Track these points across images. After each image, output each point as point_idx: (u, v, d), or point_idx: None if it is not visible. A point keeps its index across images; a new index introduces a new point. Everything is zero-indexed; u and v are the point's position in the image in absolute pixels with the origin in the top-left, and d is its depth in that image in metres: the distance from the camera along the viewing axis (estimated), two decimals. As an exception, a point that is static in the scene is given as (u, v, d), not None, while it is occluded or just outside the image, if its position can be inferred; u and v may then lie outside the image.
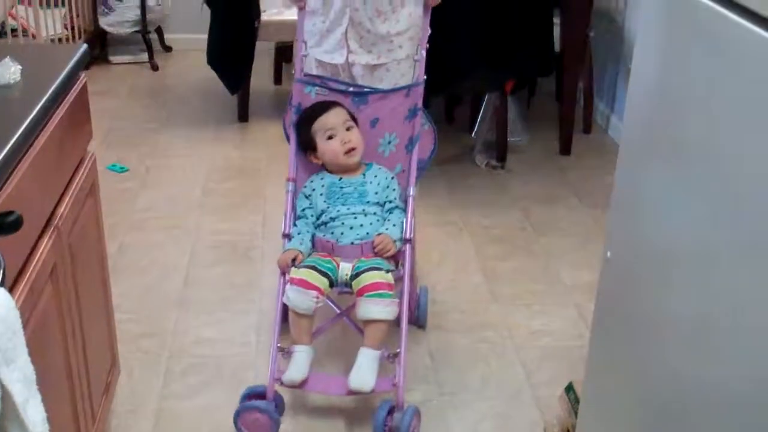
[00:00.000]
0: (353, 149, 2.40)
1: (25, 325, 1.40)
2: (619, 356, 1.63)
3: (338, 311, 2.41)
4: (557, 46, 3.97)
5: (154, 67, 5.15)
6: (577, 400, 2.09)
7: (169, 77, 5.07)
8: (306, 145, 2.45)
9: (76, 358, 1.76)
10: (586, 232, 3.32)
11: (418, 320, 2.69)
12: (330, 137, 2.40)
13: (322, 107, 2.43)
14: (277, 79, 4.96)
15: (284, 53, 4.92)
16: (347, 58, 2.51)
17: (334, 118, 2.41)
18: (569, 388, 2.20)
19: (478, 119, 4.05)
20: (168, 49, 5.46)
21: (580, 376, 1.92)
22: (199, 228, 3.31)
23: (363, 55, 2.50)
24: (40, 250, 1.55)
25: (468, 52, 3.56)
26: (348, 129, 2.41)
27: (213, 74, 4.30)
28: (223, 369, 2.50)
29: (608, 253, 1.65)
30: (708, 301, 1.26)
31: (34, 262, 1.50)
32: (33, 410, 1.09)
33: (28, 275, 1.46)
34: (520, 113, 4.08)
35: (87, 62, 1.90)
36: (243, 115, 4.38)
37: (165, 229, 3.29)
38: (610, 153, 1.64)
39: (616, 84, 4.26)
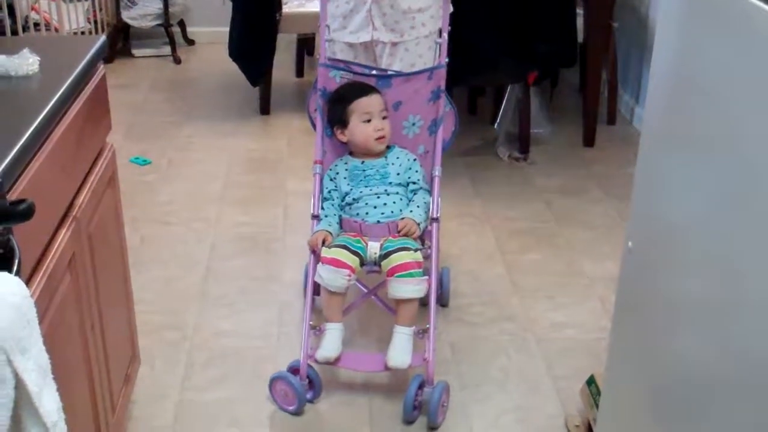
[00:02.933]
0: (383, 138, 2.46)
1: (43, 314, 1.41)
2: (641, 347, 1.61)
3: (365, 290, 2.49)
4: (580, 37, 3.94)
5: (177, 61, 5.17)
6: (598, 393, 2.08)
7: (191, 70, 5.09)
8: (337, 120, 2.49)
9: (95, 348, 1.77)
10: (610, 225, 3.30)
11: (441, 299, 2.73)
12: (367, 120, 2.45)
13: (362, 89, 2.48)
14: (299, 72, 4.96)
15: (306, 45, 4.93)
16: (372, 36, 2.65)
17: (375, 103, 2.46)
18: (591, 381, 2.18)
19: (501, 111, 4.03)
20: (190, 42, 5.48)
21: (603, 369, 1.91)
22: (220, 221, 3.32)
23: (386, 33, 2.65)
24: (59, 240, 1.56)
25: (491, 44, 3.55)
26: (383, 118, 2.47)
27: (235, 67, 4.31)
28: (244, 362, 2.51)
29: (629, 243, 1.64)
30: (731, 291, 1.24)
31: (52, 252, 1.51)
32: (47, 399, 1.10)
33: (46, 265, 1.47)
34: (543, 105, 4.06)
35: (108, 55, 1.91)
36: (265, 108, 4.39)
37: (186, 222, 3.30)
38: (635, 144, 1.63)
39: (640, 74, 4.22)
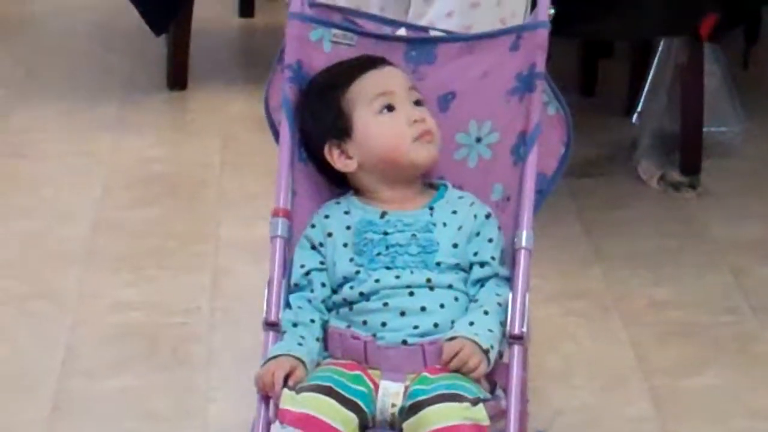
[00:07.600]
0: (428, 133, 2.43)
1: None
2: None
3: None
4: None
5: (9, -17, 5.23)
6: None
7: (34, 1, 5.15)
8: (328, 129, 2.48)
9: None
10: None
11: None
12: (389, 108, 2.44)
13: (365, 62, 2.49)
14: (246, 9, 5.04)
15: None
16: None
17: (394, 78, 2.46)
18: None
19: (645, 91, 4.10)
20: (35, -52, 5.55)
21: None
22: (83, 299, 3.33)
23: None
24: None
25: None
26: (417, 103, 2.46)
27: (121, -1, 4.36)
28: None
29: None
30: None
31: None
32: None
33: None
34: (727, 80, 4.09)
35: None
36: (178, 78, 4.46)
37: (20, 301, 3.31)
38: None
39: None
